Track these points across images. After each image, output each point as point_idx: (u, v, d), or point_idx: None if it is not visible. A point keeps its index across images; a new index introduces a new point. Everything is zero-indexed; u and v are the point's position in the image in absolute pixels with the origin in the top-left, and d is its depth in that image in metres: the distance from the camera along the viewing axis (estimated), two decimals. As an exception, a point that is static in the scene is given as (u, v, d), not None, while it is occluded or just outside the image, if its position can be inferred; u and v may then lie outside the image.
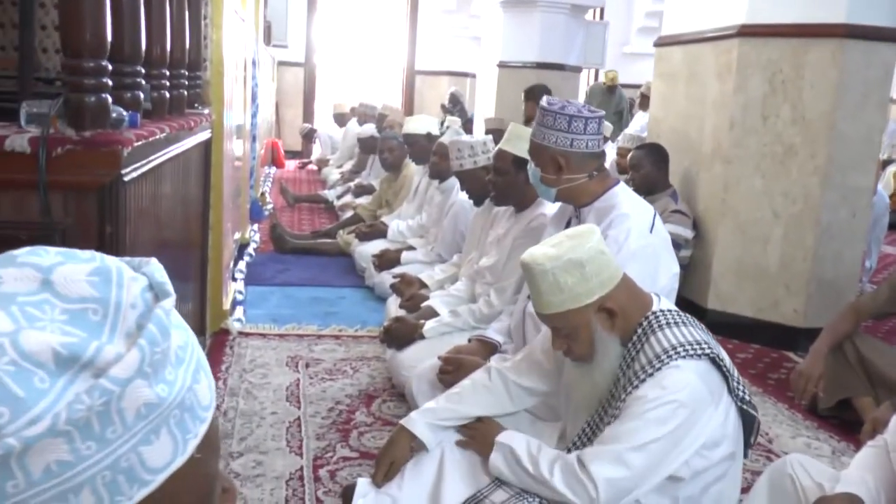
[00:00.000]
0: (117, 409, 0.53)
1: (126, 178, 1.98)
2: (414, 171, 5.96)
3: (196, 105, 3.50)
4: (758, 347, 4.42)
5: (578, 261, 1.87)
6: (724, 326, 4.45)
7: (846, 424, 3.29)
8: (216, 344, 3.88)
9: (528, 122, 6.83)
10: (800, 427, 3.35)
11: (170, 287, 0.60)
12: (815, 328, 3.47)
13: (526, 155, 3.01)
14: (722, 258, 4.60)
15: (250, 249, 5.74)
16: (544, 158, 2.57)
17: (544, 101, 2.57)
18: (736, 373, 1.98)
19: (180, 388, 0.57)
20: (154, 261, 0.61)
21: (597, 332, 1.93)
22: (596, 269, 1.89)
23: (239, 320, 4.14)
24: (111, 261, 0.59)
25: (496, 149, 3.28)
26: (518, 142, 3.11)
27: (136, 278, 0.59)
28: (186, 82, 3.13)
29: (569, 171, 2.55)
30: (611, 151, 8.06)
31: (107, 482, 0.54)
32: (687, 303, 4.61)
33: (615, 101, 10.83)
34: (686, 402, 1.81)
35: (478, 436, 2.12)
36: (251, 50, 6.29)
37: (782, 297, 4.44)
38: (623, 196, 2.58)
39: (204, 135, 3.52)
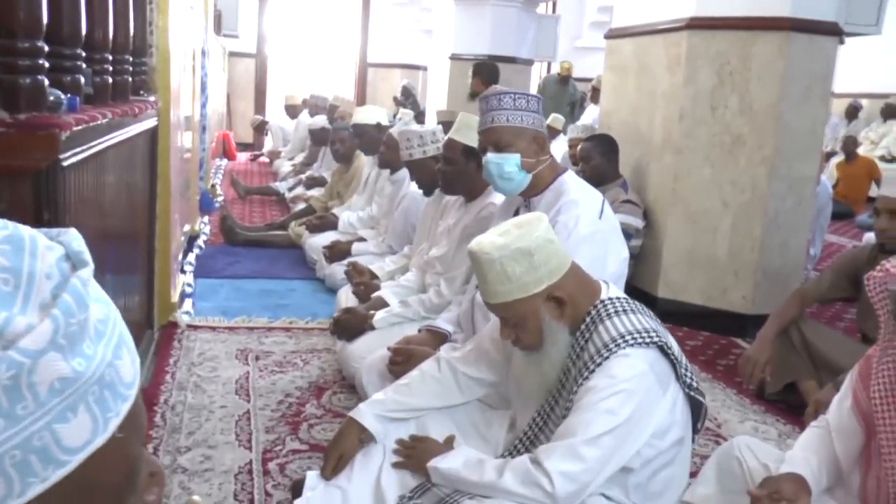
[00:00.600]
0: (28, 384, 0.50)
1: (65, 164, 1.92)
2: (364, 163, 5.93)
3: (141, 92, 3.42)
4: (707, 335, 4.48)
5: (526, 249, 1.86)
6: (675, 314, 4.51)
7: (792, 408, 3.34)
8: (164, 337, 3.82)
9: (473, 97, 6.77)
10: (748, 411, 3.40)
11: (87, 256, 0.57)
12: (763, 315, 3.54)
13: (474, 144, 3.01)
14: (672, 247, 4.65)
15: (200, 241, 5.67)
16: (525, 140, 2.57)
17: (502, 88, 2.59)
18: (684, 360, 1.99)
19: (99, 363, 0.54)
20: (72, 230, 0.58)
21: (545, 321, 1.92)
22: (544, 258, 1.88)
23: (188, 313, 4.10)
24: (25, 229, 0.56)
25: (445, 138, 3.26)
26: (467, 131, 3.10)
27: (51, 247, 0.56)
28: (131, 68, 3.06)
29: (544, 152, 2.59)
30: (563, 143, 8.10)
31: (16, 462, 0.50)
32: (638, 292, 4.65)
33: (569, 93, 10.88)
34: (635, 391, 1.81)
35: (412, 459, 2.07)
36: (200, 39, 6.19)
37: (731, 285, 4.50)
38: (572, 183, 2.60)
39: (150, 122, 3.45)
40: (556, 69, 11.19)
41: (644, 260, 4.83)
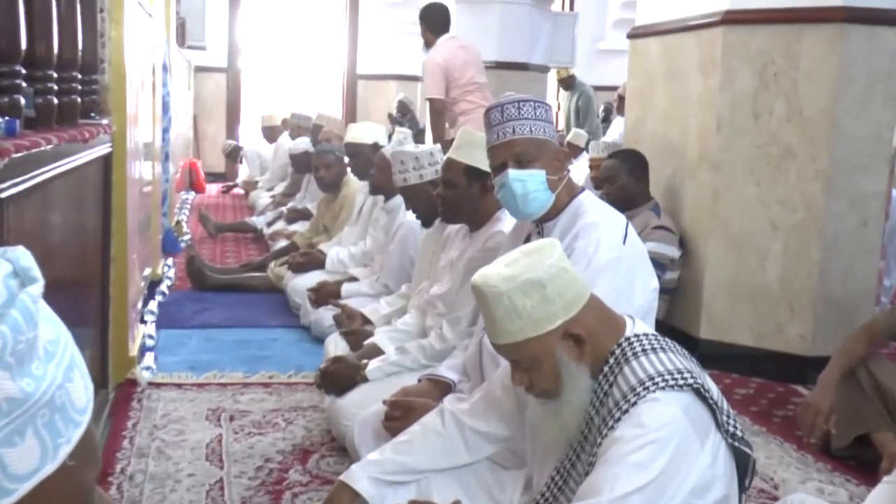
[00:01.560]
0: None
1: (2, 196, 1.96)
2: (356, 190, 5.97)
3: (93, 115, 3.48)
4: (760, 381, 4.47)
5: (538, 280, 1.88)
6: (720, 358, 4.51)
7: (865, 465, 3.32)
8: (121, 397, 3.83)
9: (428, 47, 6.80)
10: (811, 470, 3.38)
11: (37, 273, 0.60)
12: (826, 356, 3.51)
13: (478, 164, 3.05)
14: (714, 279, 4.66)
15: (163, 287, 5.70)
16: (549, 155, 2.62)
17: (518, 95, 2.65)
18: (725, 405, 2.00)
19: (49, 385, 0.56)
20: (20, 247, 0.61)
21: (562, 362, 1.94)
22: (559, 290, 1.90)
23: (149, 369, 4.10)
24: None
25: (444, 158, 3.30)
26: (469, 149, 3.14)
27: None
28: (80, 87, 3.11)
29: (564, 169, 2.65)
30: (583, 164, 8.16)
31: None
32: (675, 332, 4.64)
33: (575, 98, 10.94)
34: (668, 441, 1.82)
35: None
36: (161, 52, 6.28)
37: (785, 320, 4.51)
38: (590, 204, 2.63)
39: (103, 149, 3.50)
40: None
41: (681, 295, 4.84)
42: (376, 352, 3.44)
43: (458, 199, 3.22)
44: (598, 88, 11.69)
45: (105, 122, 3.57)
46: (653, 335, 1.99)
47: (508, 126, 2.61)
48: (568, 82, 11.15)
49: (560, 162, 2.63)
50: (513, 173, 2.60)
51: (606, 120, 11.64)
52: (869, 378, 3.34)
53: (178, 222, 8.21)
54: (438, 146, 3.96)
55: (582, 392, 1.96)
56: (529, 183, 2.60)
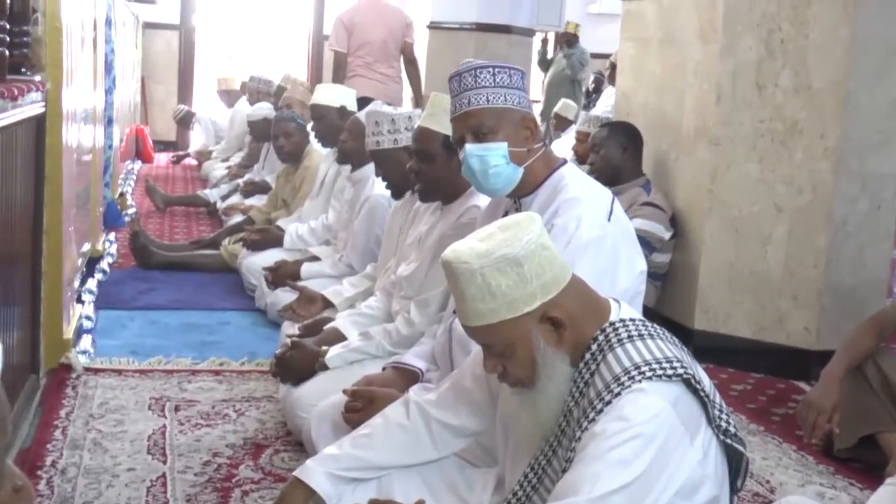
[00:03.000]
0: None
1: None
2: (319, 160, 5.95)
3: (23, 70, 3.43)
4: (759, 377, 4.51)
5: (514, 257, 1.88)
6: (716, 351, 4.54)
7: (870, 468, 3.35)
8: (54, 383, 3.81)
9: None
10: (811, 472, 3.41)
11: None
12: (831, 350, 3.54)
13: None
14: (710, 265, 4.68)
15: (104, 264, 5.66)
16: (512, 125, 2.61)
17: (477, 61, 2.63)
18: (718, 398, 2.01)
19: None
20: None
21: (539, 348, 1.94)
22: (537, 269, 1.90)
23: (85, 353, 4.08)
24: None
25: (417, 128, 3.27)
26: (446, 116, 3.10)
27: None
28: (8, 38, 3.08)
29: (536, 139, 2.63)
30: (571, 138, 8.17)
31: None
32: (667, 323, 4.64)
33: (571, 65, 10.90)
34: (654, 436, 1.82)
35: None
36: (104, 4, 6.22)
37: (788, 311, 4.54)
38: (572, 178, 2.63)
39: (34, 109, 3.46)
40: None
41: (673, 281, 4.86)
42: (337, 337, 3.43)
43: (437, 174, 3.19)
44: (592, 56, 11.68)
45: (37, 78, 3.52)
46: (640, 321, 2.00)
47: (465, 97, 2.61)
48: (571, 40, 11.13)
49: (530, 131, 2.62)
50: (470, 147, 2.61)
51: (597, 90, 11.65)
52: (877, 374, 3.37)
53: (122, 194, 8.16)
54: (418, 111, 3.94)
55: (560, 381, 1.96)
56: (489, 157, 2.59)
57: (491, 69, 2.59)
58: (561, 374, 1.96)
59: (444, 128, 3.08)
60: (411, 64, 7.72)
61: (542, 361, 1.94)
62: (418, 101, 7.61)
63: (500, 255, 1.88)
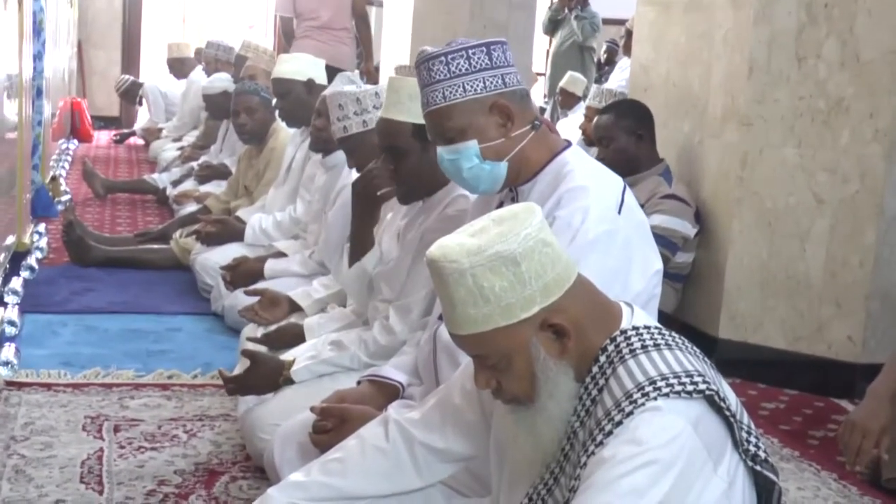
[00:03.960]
0: None
1: None
2: (287, 141, 5.94)
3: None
4: (794, 394, 4.52)
5: (510, 255, 1.88)
6: (744, 364, 4.56)
7: (923, 500, 3.38)
8: (-30, 400, 3.82)
9: None
10: (854, 505, 3.44)
11: None
12: (879, 364, 3.55)
13: None
14: (739, 265, 4.70)
15: (32, 260, 5.65)
16: (480, 116, 2.59)
17: (431, 49, 2.64)
18: (746, 419, 2.01)
19: None
20: None
21: (539, 360, 1.94)
22: (537, 268, 1.90)
23: (8, 364, 4.07)
24: None
25: (379, 121, 3.23)
26: (411, 103, 3.07)
27: None
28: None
29: (516, 123, 2.61)
30: (577, 117, 8.20)
31: None
32: (688, 331, 4.66)
33: (581, 28, 10.92)
34: (673, 462, 1.82)
35: None
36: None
37: (830, 319, 4.55)
38: (577, 163, 2.62)
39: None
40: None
41: (696, 283, 4.88)
42: (296, 332, 3.47)
43: (415, 170, 3.16)
44: (604, 21, 11.69)
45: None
46: (655, 328, 2.00)
47: (424, 96, 2.62)
48: (581, 1, 11.16)
49: (504, 118, 2.60)
50: (440, 151, 2.65)
51: (610, 62, 11.68)
52: (932, 392, 3.38)
53: (55, 178, 8.16)
54: (384, 85, 3.94)
55: (563, 398, 1.96)
56: (461, 160, 2.61)
57: (444, 58, 2.57)
58: (564, 390, 1.96)
59: (412, 115, 3.05)
60: (362, 20, 8.42)
61: (542, 375, 1.95)
62: (367, 61, 7.92)
63: (493, 252, 1.89)
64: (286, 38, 8.21)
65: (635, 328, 1.98)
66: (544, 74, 11.66)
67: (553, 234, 1.98)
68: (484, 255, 1.89)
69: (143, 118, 12.20)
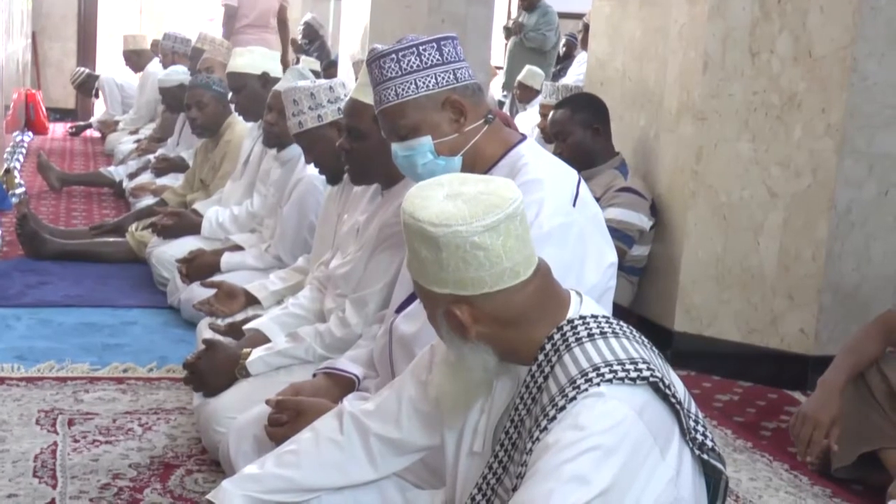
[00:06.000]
0: None
1: None
2: (243, 134, 5.93)
3: None
4: (748, 385, 4.57)
5: (433, 238, 1.93)
6: (699, 356, 4.60)
7: (871, 490, 3.40)
8: (-79, 395, 3.80)
9: None
10: (805, 495, 3.46)
11: None
12: (831, 356, 3.60)
13: None
14: (694, 258, 4.73)
15: (-15, 253, 5.62)
16: (433, 112, 2.61)
17: (381, 47, 2.64)
18: (694, 407, 2.03)
19: None
20: None
21: (443, 330, 2.01)
22: (457, 263, 1.93)
23: (-39, 358, 4.07)
24: None
25: (348, 100, 3.27)
26: None
27: None
28: None
29: (469, 118, 2.63)
30: (535, 112, 8.21)
31: None
32: (644, 324, 4.73)
33: (530, 40, 10.92)
34: (616, 448, 1.84)
35: None
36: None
37: (783, 312, 4.60)
38: (532, 156, 2.64)
39: None
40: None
41: (652, 276, 4.92)
42: (261, 339, 3.42)
43: (370, 154, 3.17)
44: (562, 16, 11.69)
45: None
46: (603, 317, 2.01)
47: (377, 94, 2.64)
48: (531, 0, 11.15)
49: (457, 113, 2.62)
50: (394, 148, 2.67)
51: (569, 56, 11.70)
52: (882, 384, 3.42)
53: (9, 171, 8.09)
54: (340, 80, 3.94)
55: (476, 363, 2.02)
56: (415, 156, 2.63)
57: (395, 55, 2.59)
58: (475, 356, 2.01)
59: None
60: (283, 25, 9.70)
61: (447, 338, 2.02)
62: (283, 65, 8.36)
63: (418, 228, 1.95)
64: (228, 25, 9.08)
65: (582, 317, 2.00)
66: (503, 68, 11.65)
67: (503, 244, 1.95)
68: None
69: (99, 110, 12.10)
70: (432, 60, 2.60)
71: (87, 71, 12.05)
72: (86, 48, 13.46)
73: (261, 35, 9.24)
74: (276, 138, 4.79)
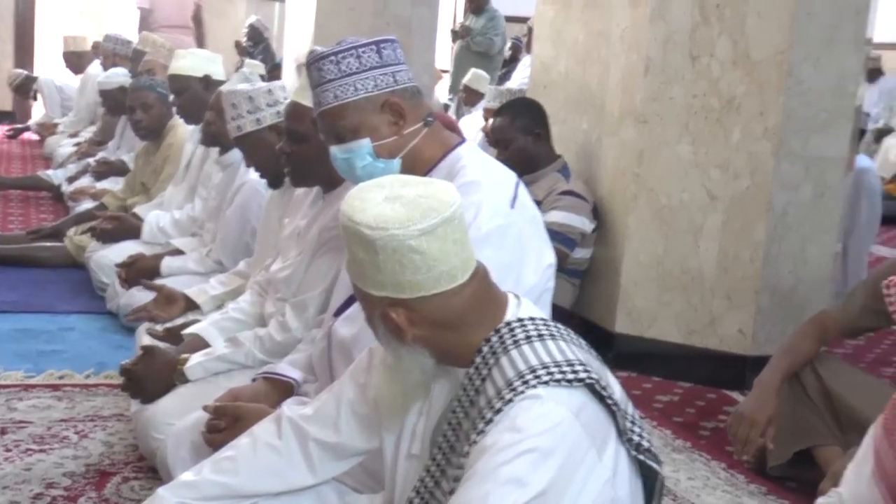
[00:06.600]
0: None
1: None
2: (185, 137, 5.91)
3: None
4: (688, 386, 4.62)
5: (370, 241, 1.94)
6: (640, 357, 4.64)
7: (806, 487, 3.41)
8: None
9: None
10: (741, 494, 3.50)
11: None
12: (768, 356, 3.67)
13: None
14: (635, 260, 4.77)
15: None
16: (372, 114, 2.62)
17: (320, 49, 2.64)
18: (631, 408, 2.06)
19: None
20: None
21: (380, 332, 2.03)
22: (393, 266, 1.95)
23: None
24: None
25: (289, 103, 3.28)
26: None
27: None
28: None
29: (409, 120, 2.64)
30: (478, 117, 8.24)
31: None
32: (586, 326, 4.78)
33: (478, 45, 10.95)
34: (553, 450, 1.85)
35: None
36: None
37: (722, 313, 4.65)
38: (470, 158, 2.65)
39: None
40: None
41: (593, 278, 4.95)
42: (200, 344, 3.41)
43: (310, 157, 3.17)
44: (509, 20, 11.72)
45: None
46: (540, 319, 2.03)
47: (316, 96, 2.66)
48: (479, 4, 11.17)
49: (396, 116, 2.63)
50: (333, 150, 2.69)
51: (514, 59, 11.74)
52: (816, 383, 3.47)
53: (-56, 174, 8.02)
54: (282, 83, 3.94)
55: (413, 366, 2.05)
56: (353, 159, 2.65)
57: (334, 57, 2.59)
58: (412, 358, 2.03)
59: None
60: (198, 24, 10.39)
61: (395, 356, 2.04)
62: None
63: (355, 230, 1.97)
64: (141, 26, 9.45)
65: (520, 319, 2.01)
66: (449, 71, 11.68)
67: (440, 248, 1.97)
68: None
69: (37, 113, 11.99)
70: (371, 63, 2.61)
71: (26, 73, 11.95)
72: (23, 49, 13.34)
73: (176, 35, 9.50)
74: (212, 137, 4.80)
